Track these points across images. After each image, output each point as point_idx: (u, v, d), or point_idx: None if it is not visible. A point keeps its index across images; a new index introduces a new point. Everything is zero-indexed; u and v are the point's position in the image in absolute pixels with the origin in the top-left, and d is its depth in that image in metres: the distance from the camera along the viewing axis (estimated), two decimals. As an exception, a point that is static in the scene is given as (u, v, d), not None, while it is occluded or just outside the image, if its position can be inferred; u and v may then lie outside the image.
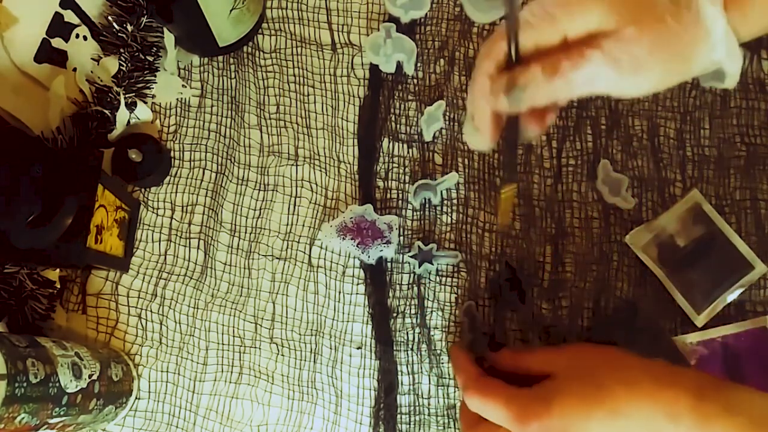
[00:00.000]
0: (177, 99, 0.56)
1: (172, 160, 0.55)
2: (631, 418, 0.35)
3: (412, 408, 0.50)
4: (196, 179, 0.55)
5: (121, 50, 0.52)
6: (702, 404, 0.34)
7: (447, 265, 0.52)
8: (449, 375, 0.51)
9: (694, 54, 0.34)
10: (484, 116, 0.36)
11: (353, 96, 0.56)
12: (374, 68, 0.56)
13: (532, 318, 0.51)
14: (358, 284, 0.53)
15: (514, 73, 0.34)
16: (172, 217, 0.54)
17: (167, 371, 0.51)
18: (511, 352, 0.43)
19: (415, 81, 0.56)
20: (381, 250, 0.52)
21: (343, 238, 0.52)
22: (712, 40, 0.33)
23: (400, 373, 0.51)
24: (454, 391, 0.50)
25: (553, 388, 0.38)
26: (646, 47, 0.33)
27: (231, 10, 0.50)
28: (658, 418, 0.35)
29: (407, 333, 0.51)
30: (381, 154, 0.55)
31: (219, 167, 0.55)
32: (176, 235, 0.54)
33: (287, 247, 0.53)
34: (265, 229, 0.54)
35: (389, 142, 0.55)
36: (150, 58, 0.54)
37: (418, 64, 0.56)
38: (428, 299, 0.52)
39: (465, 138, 0.43)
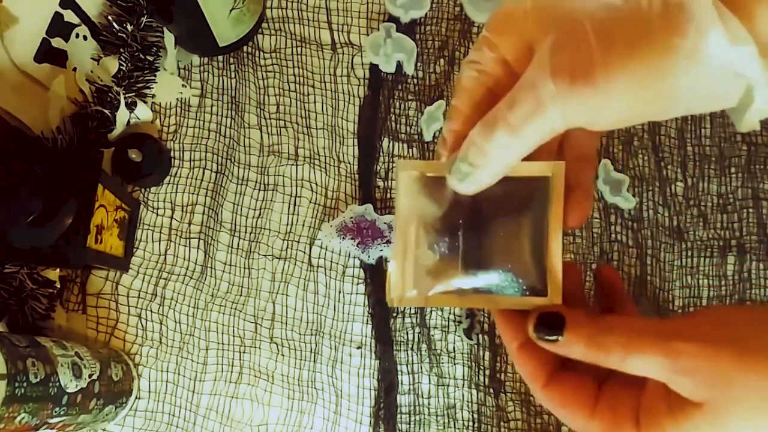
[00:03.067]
0: (177, 99, 0.56)
1: (172, 160, 0.55)
2: None
3: (412, 408, 0.50)
4: (196, 179, 0.55)
5: (121, 50, 0.52)
6: None
7: (447, 264, 0.52)
8: (449, 375, 0.50)
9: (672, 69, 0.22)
10: None
11: (353, 96, 0.56)
12: (374, 68, 0.56)
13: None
14: (358, 284, 0.52)
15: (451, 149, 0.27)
16: (172, 217, 0.54)
17: (167, 371, 0.51)
18: (591, 326, 0.26)
19: (415, 81, 0.56)
20: (381, 250, 0.52)
21: (343, 238, 0.52)
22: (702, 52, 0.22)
23: (400, 373, 0.51)
24: (454, 391, 0.50)
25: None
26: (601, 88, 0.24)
27: (231, 10, 0.50)
28: None
29: (407, 333, 0.51)
30: (381, 153, 0.55)
31: (219, 167, 0.55)
32: (176, 235, 0.54)
33: (287, 247, 0.53)
34: (265, 228, 0.54)
35: (389, 142, 0.55)
36: (150, 58, 0.54)
37: (418, 64, 0.56)
38: (428, 299, 0.52)
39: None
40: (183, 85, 0.56)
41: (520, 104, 0.24)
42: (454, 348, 0.51)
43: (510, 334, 0.28)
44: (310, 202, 0.54)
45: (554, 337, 0.26)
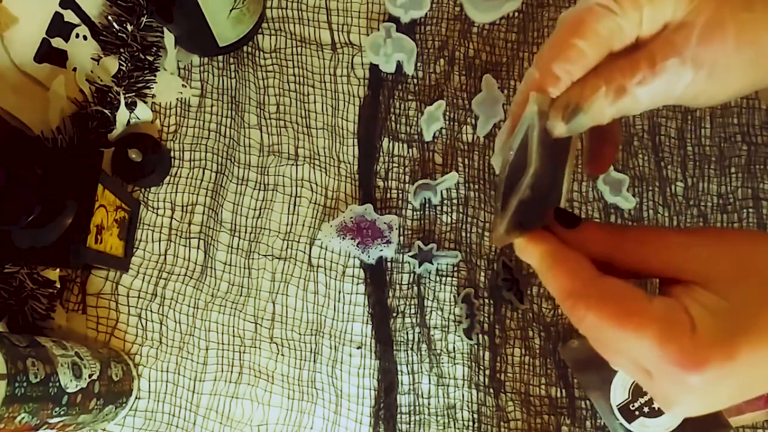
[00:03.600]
0: (177, 99, 0.56)
1: (172, 160, 0.55)
2: None
3: (412, 408, 0.50)
4: (196, 179, 0.55)
5: (121, 50, 0.52)
6: None
7: (447, 264, 0.52)
8: (449, 375, 0.50)
9: None
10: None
11: (353, 96, 0.56)
12: (374, 68, 0.56)
13: (531, 317, 0.51)
14: (358, 284, 0.52)
15: (573, 93, 0.27)
16: (172, 217, 0.54)
17: (167, 371, 0.51)
18: (606, 231, 0.27)
19: (415, 81, 0.56)
20: (381, 250, 0.52)
21: (343, 238, 0.52)
22: None
23: (400, 373, 0.51)
24: (454, 391, 0.50)
25: (733, 311, 0.23)
26: (731, 45, 0.26)
27: (231, 10, 0.50)
28: None
29: (407, 333, 0.51)
30: (381, 153, 0.55)
31: (219, 167, 0.55)
32: (176, 235, 0.54)
33: (287, 247, 0.53)
34: (265, 228, 0.54)
35: (389, 142, 0.55)
36: (150, 58, 0.54)
37: (418, 64, 0.56)
38: (428, 299, 0.52)
39: (493, 161, 0.34)
40: (183, 85, 0.56)
41: (656, 84, 0.26)
42: (454, 348, 0.51)
43: (538, 240, 0.28)
44: (310, 202, 0.54)
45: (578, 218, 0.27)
